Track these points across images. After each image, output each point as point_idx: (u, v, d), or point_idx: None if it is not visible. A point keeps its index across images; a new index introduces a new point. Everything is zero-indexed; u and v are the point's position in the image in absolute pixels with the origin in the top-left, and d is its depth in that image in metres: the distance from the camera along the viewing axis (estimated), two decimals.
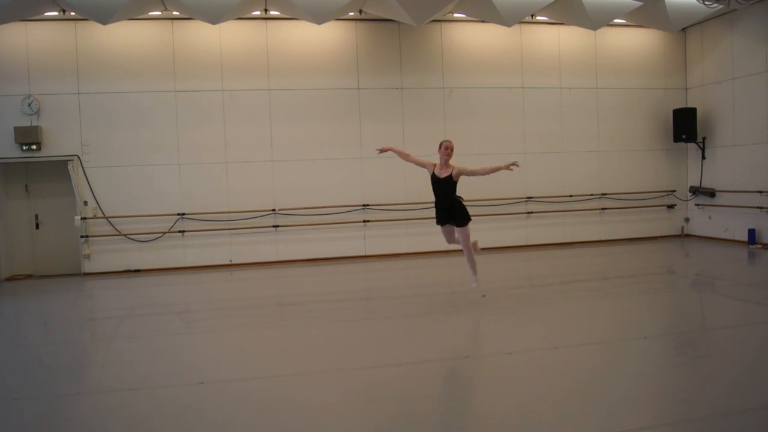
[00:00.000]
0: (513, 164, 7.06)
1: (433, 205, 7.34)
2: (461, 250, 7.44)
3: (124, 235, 10.84)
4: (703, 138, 12.60)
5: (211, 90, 11.12)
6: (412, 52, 11.86)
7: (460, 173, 7.15)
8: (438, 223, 7.42)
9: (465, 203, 7.28)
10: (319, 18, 10.19)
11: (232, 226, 11.22)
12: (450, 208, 7.22)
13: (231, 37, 11.15)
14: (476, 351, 5.49)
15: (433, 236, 11.82)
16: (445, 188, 7.20)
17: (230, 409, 4.32)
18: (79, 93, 10.65)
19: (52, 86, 10.53)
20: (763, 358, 5.16)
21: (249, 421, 4.13)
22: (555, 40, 12.50)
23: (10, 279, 10.66)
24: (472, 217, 7.28)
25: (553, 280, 9.21)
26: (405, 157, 7.54)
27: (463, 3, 10.64)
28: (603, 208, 12.79)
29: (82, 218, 10.59)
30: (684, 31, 12.96)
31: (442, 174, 7.17)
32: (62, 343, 6.54)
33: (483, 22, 11.81)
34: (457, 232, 7.31)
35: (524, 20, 11.66)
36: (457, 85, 12.04)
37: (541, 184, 12.45)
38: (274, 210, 11.34)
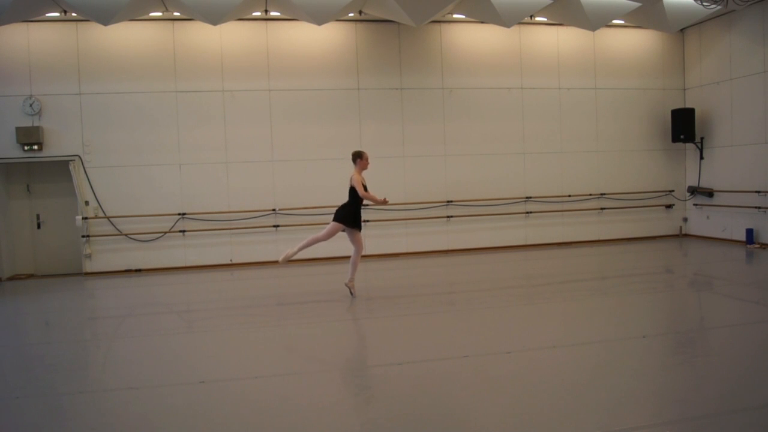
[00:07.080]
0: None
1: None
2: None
3: (125, 234, 10.88)
4: (701, 138, 12.64)
5: (212, 90, 11.16)
6: (412, 52, 11.90)
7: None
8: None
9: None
10: (319, 19, 10.22)
11: (232, 226, 11.26)
12: None
13: (231, 37, 11.18)
14: (475, 350, 5.52)
15: (433, 236, 11.96)
16: None
17: (230, 408, 4.35)
18: (80, 93, 10.69)
19: (54, 87, 10.57)
20: (761, 358, 5.19)
21: (249, 420, 4.16)
22: (554, 40, 12.53)
23: (11, 278, 10.69)
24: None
25: (551, 280, 9.24)
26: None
27: (463, 4, 10.67)
28: (602, 208, 12.83)
29: (83, 218, 10.63)
30: (682, 31, 13.00)
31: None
32: (63, 342, 6.58)
33: (482, 22, 11.84)
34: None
35: (523, 21, 11.70)
36: (456, 85, 12.07)
37: (540, 184, 12.48)
38: (274, 210, 11.38)
